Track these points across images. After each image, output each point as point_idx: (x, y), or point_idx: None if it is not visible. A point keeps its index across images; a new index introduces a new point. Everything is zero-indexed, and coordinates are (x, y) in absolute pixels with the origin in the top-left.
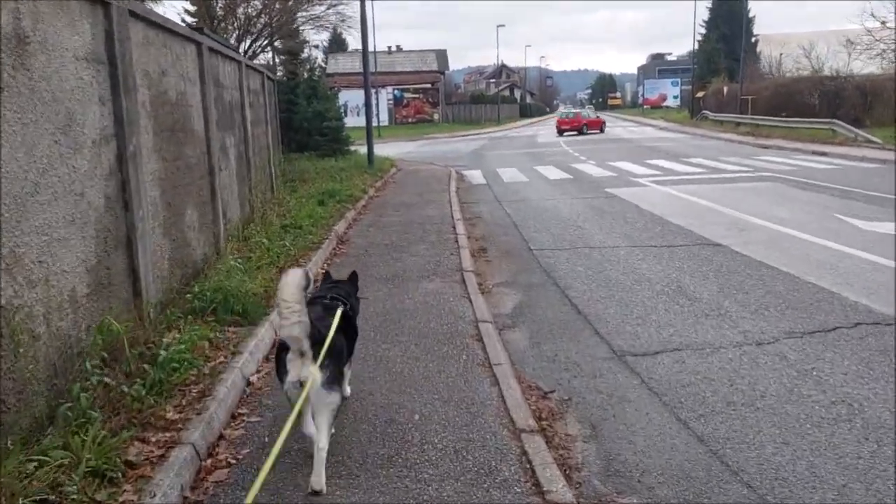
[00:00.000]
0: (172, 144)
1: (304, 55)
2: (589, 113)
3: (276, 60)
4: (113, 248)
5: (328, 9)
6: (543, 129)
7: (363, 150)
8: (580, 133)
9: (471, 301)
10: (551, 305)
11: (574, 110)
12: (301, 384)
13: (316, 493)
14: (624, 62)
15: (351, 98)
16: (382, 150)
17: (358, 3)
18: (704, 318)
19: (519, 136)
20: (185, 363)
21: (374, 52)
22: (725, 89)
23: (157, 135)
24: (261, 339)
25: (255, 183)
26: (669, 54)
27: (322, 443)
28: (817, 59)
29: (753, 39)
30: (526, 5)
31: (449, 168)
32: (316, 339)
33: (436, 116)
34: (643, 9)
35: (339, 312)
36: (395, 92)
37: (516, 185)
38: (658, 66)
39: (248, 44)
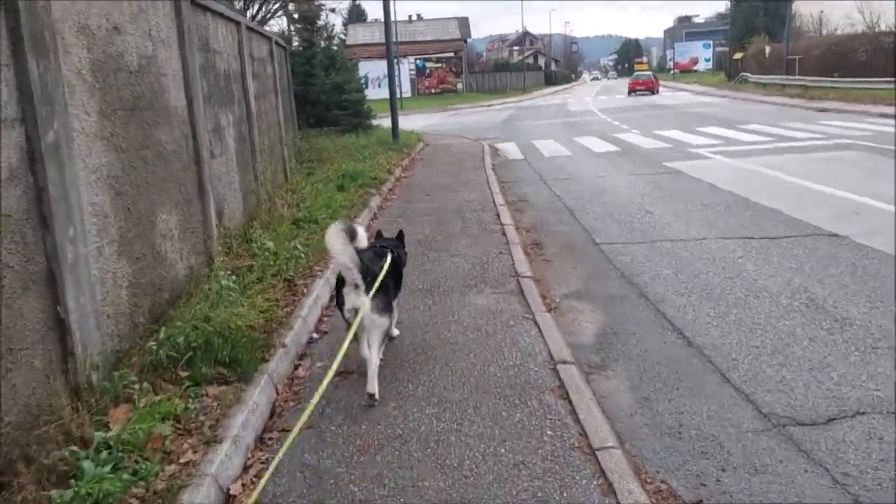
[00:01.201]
0: (134, 127)
1: (321, 22)
2: (648, 74)
3: (291, 29)
4: (19, 290)
5: None
6: (572, 97)
7: (386, 123)
8: (652, 91)
9: (537, 325)
10: (647, 331)
11: (642, 71)
12: (356, 311)
13: (371, 395)
14: (649, 26)
15: (372, 69)
16: (406, 122)
17: None
18: (875, 355)
19: (548, 105)
20: (123, 479)
21: (395, 22)
22: (768, 50)
23: (105, 116)
24: (254, 407)
25: (263, 168)
26: (697, 16)
27: (374, 359)
28: (870, 14)
29: None
30: None
31: (480, 141)
32: (366, 274)
33: (459, 86)
34: None
35: (388, 257)
36: (418, 62)
37: (559, 160)
38: (685, 29)
39: (255, 8)
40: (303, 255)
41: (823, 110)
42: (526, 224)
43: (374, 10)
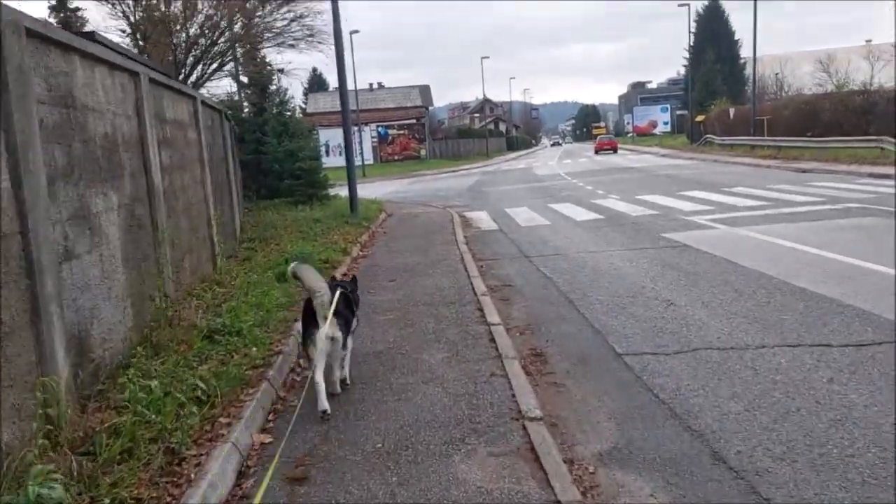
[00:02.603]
0: None
1: (274, 87)
2: (609, 136)
3: (242, 94)
4: None
5: (290, 22)
6: (537, 162)
7: (346, 193)
8: (614, 151)
9: None
10: None
11: (601, 134)
12: (332, 339)
13: (323, 412)
14: (603, 93)
15: (332, 137)
16: (368, 191)
17: (331, 20)
18: None
19: (513, 170)
20: None
21: (356, 91)
22: (732, 111)
23: None
24: None
25: (173, 260)
26: (650, 82)
27: (337, 374)
28: (836, 72)
29: (742, 62)
30: (502, 42)
31: (448, 210)
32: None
33: (423, 152)
34: (616, 41)
35: (337, 294)
36: (380, 129)
37: (539, 231)
38: (640, 95)
39: (195, 69)
40: (205, 397)
41: (804, 171)
42: (518, 322)
43: (335, 80)
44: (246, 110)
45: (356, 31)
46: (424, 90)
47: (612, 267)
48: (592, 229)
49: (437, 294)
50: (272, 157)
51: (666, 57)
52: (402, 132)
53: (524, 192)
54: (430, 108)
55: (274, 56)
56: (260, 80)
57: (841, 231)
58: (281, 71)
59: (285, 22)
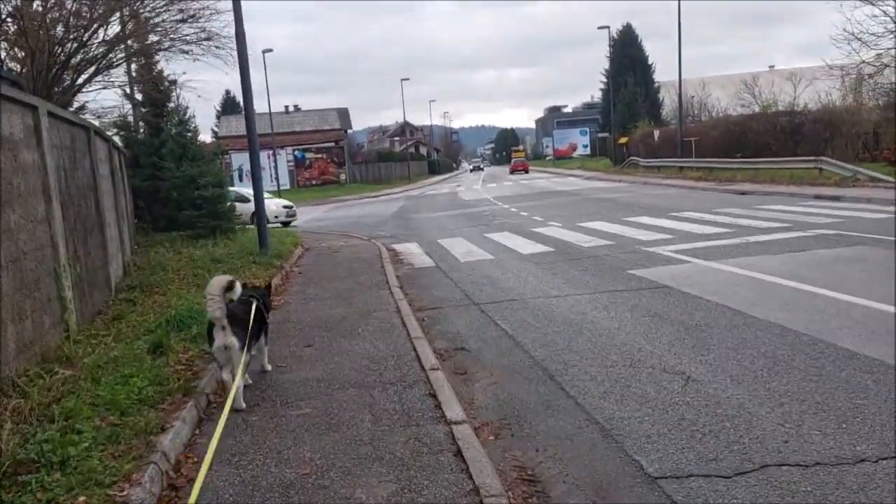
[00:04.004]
0: None
1: (172, 104)
2: (522, 158)
3: (137, 113)
4: None
5: (182, 21)
6: (461, 186)
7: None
8: (525, 171)
9: None
10: None
11: (518, 157)
12: (226, 348)
13: (237, 410)
14: (517, 117)
15: (246, 161)
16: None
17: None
18: None
19: (438, 194)
20: None
21: (270, 113)
22: (657, 133)
23: None
24: None
25: None
26: (565, 106)
27: (238, 381)
28: (759, 93)
29: (656, 85)
30: (418, 67)
31: (374, 241)
32: (232, 319)
33: (342, 177)
34: (526, 66)
35: (253, 305)
36: (296, 152)
37: (482, 267)
38: (556, 119)
39: (60, 76)
40: None
41: (744, 193)
42: (488, 414)
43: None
44: (142, 131)
45: (269, 50)
46: (343, 113)
47: (587, 318)
48: (544, 265)
49: (370, 368)
50: (170, 183)
51: (576, 82)
52: (320, 156)
53: (455, 220)
54: (349, 131)
55: (172, 67)
56: (157, 96)
57: (840, 265)
58: (173, 83)
59: (173, 23)
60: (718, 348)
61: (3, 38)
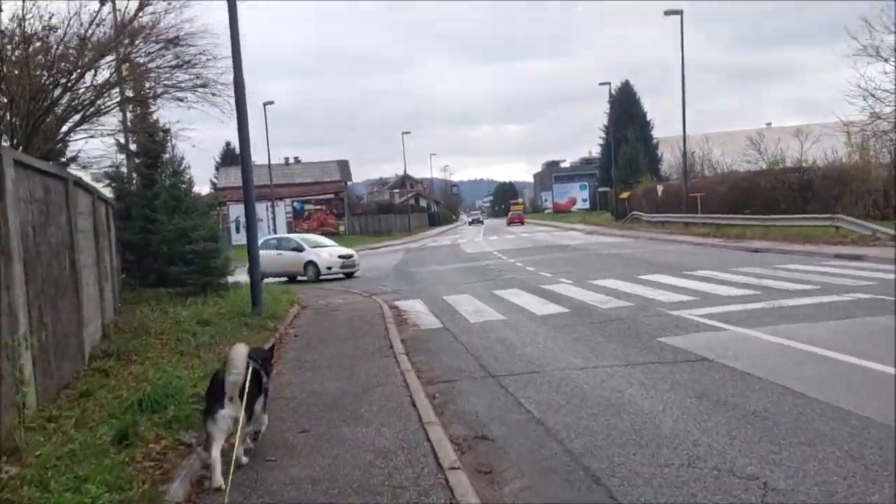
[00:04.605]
0: None
1: (167, 155)
2: (519, 212)
3: (131, 163)
4: None
5: (176, 66)
6: (462, 238)
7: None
8: (521, 223)
9: None
10: None
11: (517, 210)
12: (236, 420)
13: (218, 488)
14: (515, 171)
15: (243, 213)
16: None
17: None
18: None
19: (440, 247)
20: None
21: (269, 165)
22: (661, 188)
23: None
24: None
25: None
26: (563, 161)
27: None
28: (765, 149)
29: (655, 141)
30: (417, 121)
31: (375, 298)
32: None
33: (342, 228)
34: (523, 122)
35: (249, 370)
36: (295, 204)
37: (495, 330)
38: (554, 173)
39: (39, 123)
40: None
41: (757, 251)
42: None
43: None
44: (135, 182)
45: (270, 102)
46: (343, 165)
47: (623, 398)
48: (562, 328)
49: (377, 465)
50: (161, 237)
51: (573, 138)
52: (319, 207)
53: (459, 274)
54: (349, 183)
55: (165, 115)
56: (151, 146)
57: (886, 336)
58: (166, 132)
59: (167, 69)
60: (791, 444)
61: None
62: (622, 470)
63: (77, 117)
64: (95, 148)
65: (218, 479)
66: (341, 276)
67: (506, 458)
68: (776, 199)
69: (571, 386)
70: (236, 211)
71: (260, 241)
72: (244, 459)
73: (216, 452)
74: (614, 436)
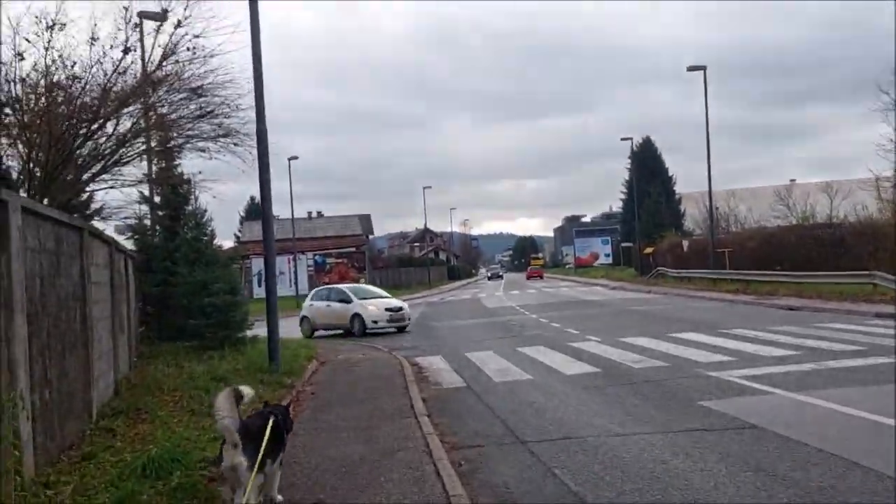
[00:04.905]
0: None
1: (190, 208)
2: (539, 266)
3: (152, 216)
4: None
5: (199, 116)
6: (482, 293)
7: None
8: (540, 278)
9: None
10: None
11: (536, 265)
12: (233, 468)
13: None
14: (535, 225)
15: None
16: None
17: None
18: None
19: (460, 301)
20: None
21: (293, 219)
22: (686, 243)
23: None
24: None
25: None
26: (584, 216)
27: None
28: (794, 205)
29: (677, 197)
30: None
31: (395, 354)
32: (243, 433)
33: (362, 281)
34: (542, 177)
35: (270, 421)
36: (317, 257)
37: (522, 391)
38: (575, 228)
39: (59, 174)
40: None
41: (792, 309)
42: None
43: (274, 209)
44: (158, 235)
45: (295, 158)
46: (364, 219)
47: (669, 470)
48: (594, 390)
49: None
50: (181, 289)
51: (592, 193)
52: (340, 260)
53: (481, 330)
54: (371, 236)
55: (186, 165)
56: (175, 199)
57: None
58: (188, 182)
59: (190, 119)
60: None
61: (3, 131)
62: None
63: (97, 167)
64: (115, 199)
65: None
66: (392, 330)
67: None
68: (808, 255)
69: (609, 455)
70: (259, 264)
71: (311, 293)
72: None
73: (239, 500)
74: None
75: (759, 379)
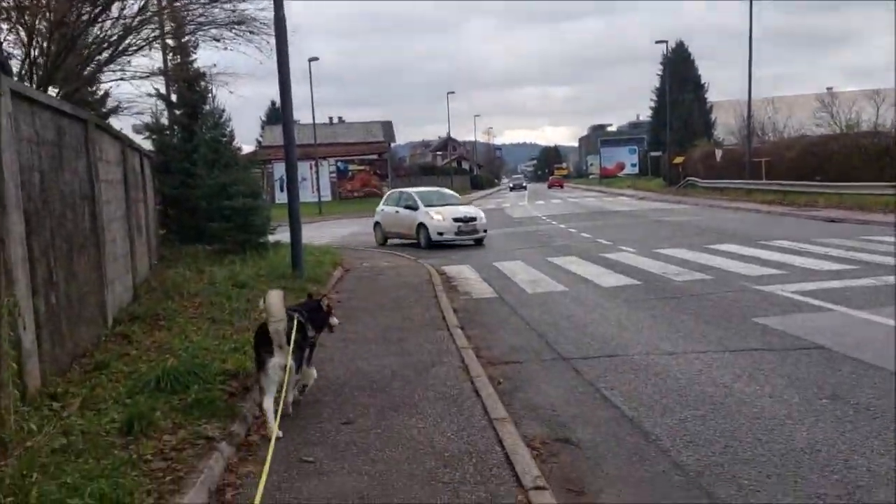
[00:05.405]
0: None
1: (208, 107)
2: (560, 176)
3: (170, 115)
4: None
5: (211, 1)
6: (506, 202)
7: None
8: (561, 188)
9: None
10: None
11: (558, 176)
12: (284, 367)
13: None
14: (559, 135)
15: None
16: (324, 231)
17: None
18: None
19: (485, 210)
20: None
21: (314, 124)
22: (719, 153)
23: None
24: None
25: None
26: (610, 125)
27: (289, 401)
28: (838, 113)
29: (708, 106)
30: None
31: (421, 262)
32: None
33: (385, 189)
34: (568, 84)
35: (295, 320)
36: (339, 164)
37: (557, 303)
38: (600, 137)
39: (62, 61)
40: None
41: (833, 220)
42: None
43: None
44: (176, 135)
45: (315, 59)
46: (387, 126)
47: (733, 395)
48: (636, 303)
49: (439, 478)
50: (200, 192)
51: (619, 101)
52: (362, 168)
53: (509, 240)
54: (393, 144)
55: (204, 56)
56: (191, 97)
57: None
58: (203, 77)
59: (201, 5)
60: None
61: (2, 15)
62: (759, 498)
63: (104, 56)
64: (127, 93)
65: (273, 428)
66: (470, 242)
67: (599, 473)
68: (850, 165)
69: (663, 376)
70: (281, 170)
71: (385, 195)
72: (290, 410)
73: (268, 403)
74: (735, 449)
75: (814, 294)
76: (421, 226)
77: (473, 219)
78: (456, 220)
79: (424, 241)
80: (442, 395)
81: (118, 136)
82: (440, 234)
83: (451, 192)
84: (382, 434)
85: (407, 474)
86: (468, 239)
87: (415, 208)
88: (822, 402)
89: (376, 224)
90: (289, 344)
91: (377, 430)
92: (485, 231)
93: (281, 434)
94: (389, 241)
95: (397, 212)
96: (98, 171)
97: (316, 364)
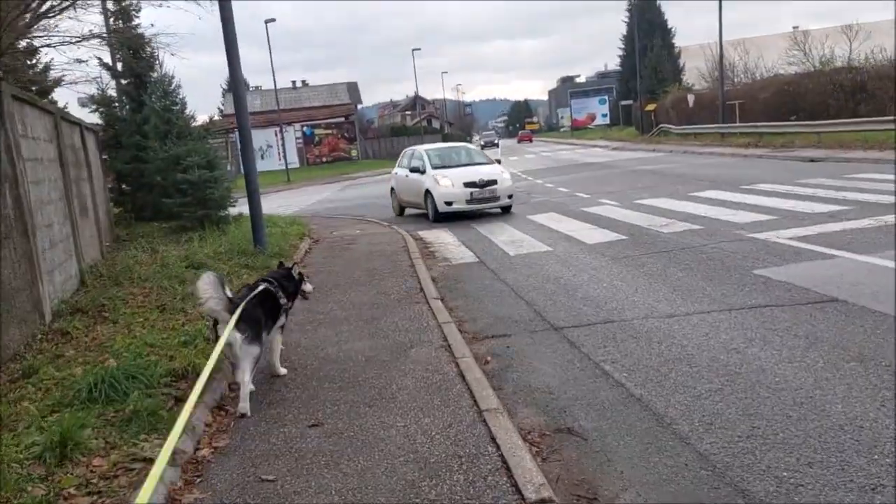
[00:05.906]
0: None
1: (156, 75)
2: (528, 131)
3: (117, 86)
4: None
5: None
6: None
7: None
8: (530, 141)
9: None
10: None
11: (527, 131)
12: (229, 345)
13: (242, 415)
14: (530, 89)
15: (255, 139)
16: (292, 200)
17: None
18: None
19: None
20: None
21: (276, 88)
22: (691, 98)
23: None
24: None
25: None
26: (578, 76)
27: (246, 380)
28: (810, 50)
29: (677, 50)
30: (425, 39)
31: (396, 228)
32: (233, 311)
33: (354, 153)
34: (537, 37)
35: (260, 287)
36: (305, 129)
37: (543, 264)
38: (569, 89)
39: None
40: None
41: (813, 160)
42: None
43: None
44: (125, 107)
45: (272, 20)
46: (352, 87)
47: (746, 362)
48: (625, 260)
49: (423, 491)
50: (154, 165)
51: (587, 52)
52: (329, 132)
53: None
54: (360, 106)
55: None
56: (137, 65)
57: None
58: (149, 44)
59: None
60: None
61: None
62: (808, 492)
63: (24, 20)
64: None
65: (244, 406)
66: (494, 210)
67: (612, 473)
68: (825, 103)
69: (666, 343)
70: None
71: (401, 155)
72: (251, 387)
73: (238, 377)
74: (764, 430)
75: (812, 240)
76: (428, 193)
77: (492, 182)
78: (468, 184)
79: (432, 213)
80: (423, 382)
81: (47, 110)
82: (448, 203)
83: (476, 148)
84: (355, 438)
85: (385, 490)
86: (488, 207)
87: (422, 171)
88: (850, 364)
89: (392, 190)
90: (257, 321)
91: (349, 433)
92: (509, 197)
93: (247, 413)
94: (407, 212)
95: (407, 176)
96: (20, 148)
97: (282, 351)
